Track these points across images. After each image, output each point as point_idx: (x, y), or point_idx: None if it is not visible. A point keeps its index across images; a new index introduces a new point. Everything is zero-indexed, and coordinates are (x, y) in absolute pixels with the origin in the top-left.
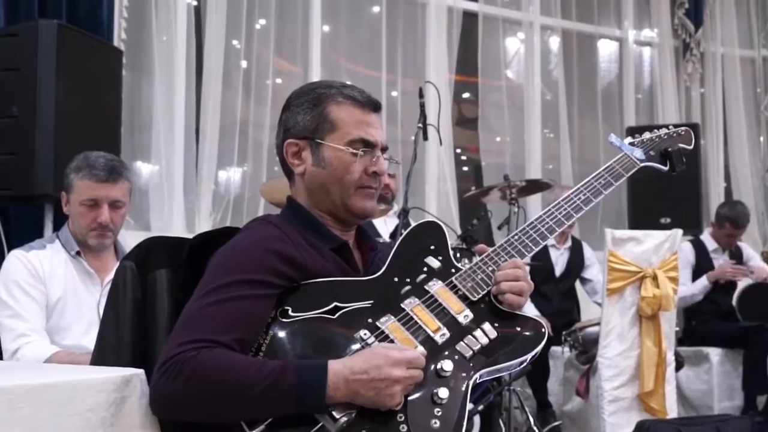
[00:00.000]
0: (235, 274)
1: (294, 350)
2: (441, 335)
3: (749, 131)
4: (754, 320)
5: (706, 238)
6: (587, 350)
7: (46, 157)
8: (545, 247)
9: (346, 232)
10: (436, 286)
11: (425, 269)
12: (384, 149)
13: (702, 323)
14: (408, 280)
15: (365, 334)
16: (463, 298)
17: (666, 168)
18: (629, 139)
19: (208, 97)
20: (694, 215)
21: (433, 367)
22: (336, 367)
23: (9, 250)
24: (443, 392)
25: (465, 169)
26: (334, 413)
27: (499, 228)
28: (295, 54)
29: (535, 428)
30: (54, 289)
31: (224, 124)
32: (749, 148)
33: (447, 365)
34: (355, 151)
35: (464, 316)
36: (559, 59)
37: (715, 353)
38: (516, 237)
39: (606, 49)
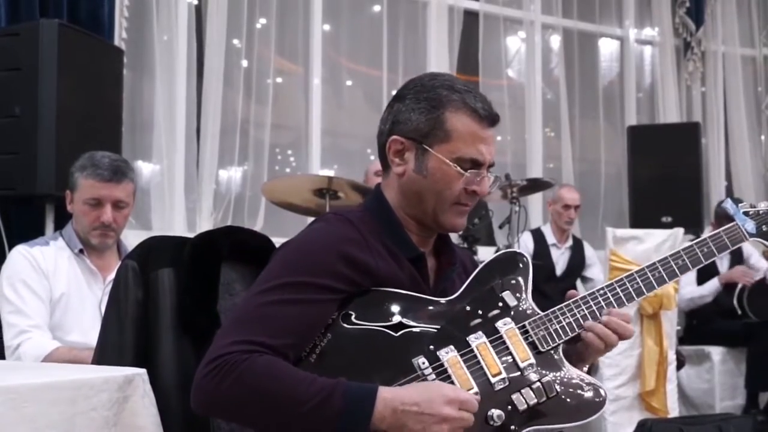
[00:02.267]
0: (300, 275)
1: (348, 359)
2: (500, 380)
3: (750, 130)
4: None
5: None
6: None
7: (48, 157)
8: (546, 247)
9: (426, 240)
10: (506, 327)
11: (500, 304)
12: (491, 166)
13: (703, 322)
14: (480, 312)
15: (423, 363)
16: (532, 346)
17: None
18: (745, 208)
19: (209, 96)
20: (695, 214)
21: (483, 412)
22: (386, 395)
23: (10, 249)
24: None
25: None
26: None
27: (500, 227)
28: (296, 53)
29: None
30: (57, 285)
31: (225, 124)
32: (750, 147)
33: (498, 414)
34: (462, 171)
35: (528, 364)
36: (560, 58)
37: (716, 352)
38: (601, 292)
39: (607, 48)
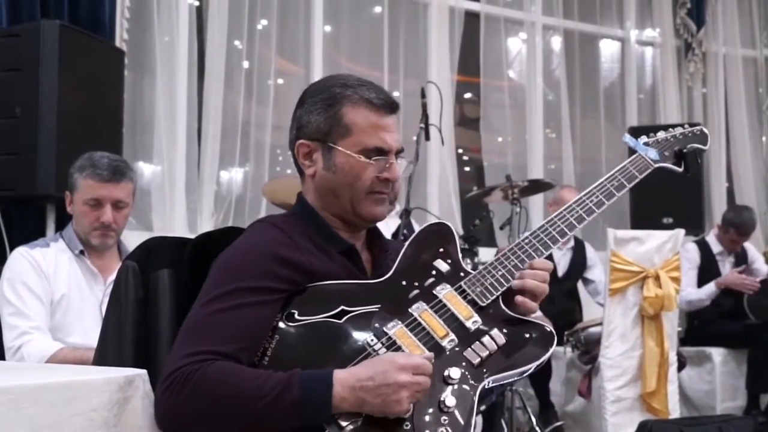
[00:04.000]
0: (237, 281)
1: (300, 354)
2: (449, 341)
3: (751, 131)
4: (764, 319)
5: (712, 240)
6: (589, 350)
7: (48, 158)
8: None
9: (354, 235)
10: (444, 291)
11: (434, 273)
12: (399, 152)
13: (704, 323)
14: (416, 283)
15: (372, 339)
16: (472, 303)
17: (680, 169)
18: (644, 139)
19: (210, 97)
20: (696, 215)
21: (440, 373)
22: (341, 375)
23: (11, 250)
24: (450, 400)
25: (467, 169)
26: (340, 421)
27: (501, 228)
28: (297, 54)
29: (537, 429)
30: (58, 286)
31: (226, 125)
32: (751, 148)
33: (454, 372)
34: (367, 159)
35: (473, 321)
36: (561, 59)
37: (717, 353)
38: (526, 240)
39: (608, 49)
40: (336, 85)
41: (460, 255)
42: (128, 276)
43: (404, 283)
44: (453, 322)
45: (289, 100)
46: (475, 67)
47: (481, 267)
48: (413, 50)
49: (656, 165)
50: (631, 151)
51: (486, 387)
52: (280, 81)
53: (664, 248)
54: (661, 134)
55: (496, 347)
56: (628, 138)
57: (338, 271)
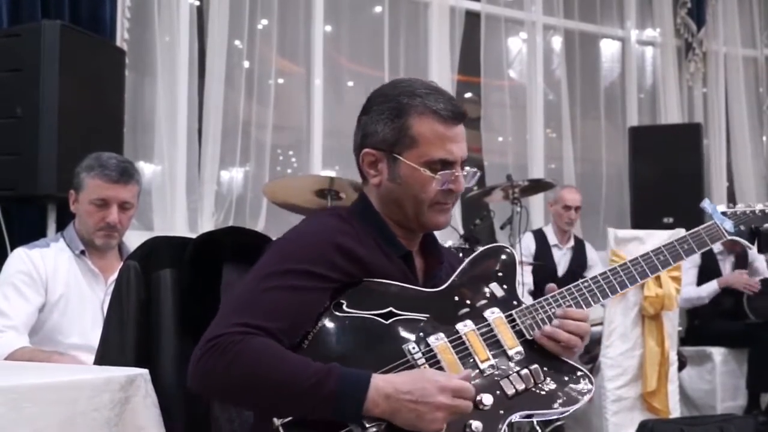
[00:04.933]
0: (294, 263)
1: (340, 345)
2: (488, 366)
3: (752, 131)
4: (764, 318)
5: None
6: (590, 350)
7: (49, 158)
8: (548, 247)
9: (411, 241)
10: (494, 315)
11: (488, 295)
12: (464, 161)
13: (705, 323)
14: (468, 302)
15: (413, 348)
16: (519, 334)
17: (753, 247)
18: (722, 208)
19: (211, 97)
20: (697, 215)
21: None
22: (379, 382)
23: (11, 250)
24: (477, 425)
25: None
26: (364, 422)
27: (502, 228)
28: (298, 54)
29: (537, 428)
30: (55, 287)
31: (227, 125)
32: (752, 148)
33: (487, 399)
34: (432, 174)
35: (516, 351)
36: (561, 59)
37: (718, 353)
38: (585, 284)
39: (608, 48)
40: (403, 94)
41: (517, 284)
42: (130, 276)
43: (456, 298)
44: (496, 348)
45: (290, 100)
46: (475, 66)
47: (535, 301)
48: (414, 50)
49: (729, 237)
50: (633, 150)
51: (513, 421)
52: (281, 81)
53: None
54: (740, 207)
55: (533, 383)
56: (706, 204)
57: (394, 272)
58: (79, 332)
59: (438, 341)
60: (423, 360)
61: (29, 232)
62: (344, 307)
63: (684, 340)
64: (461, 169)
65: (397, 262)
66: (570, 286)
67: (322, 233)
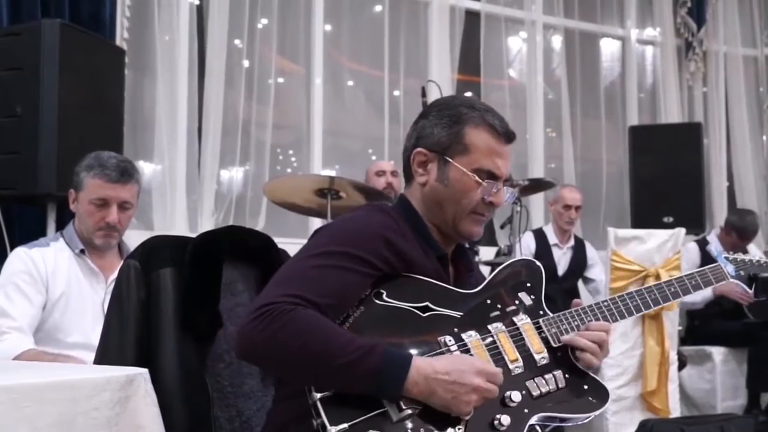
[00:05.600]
0: (345, 246)
1: (378, 331)
2: (517, 366)
3: (752, 130)
4: (764, 318)
5: (712, 239)
6: None
7: (49, 157)
8: (548, 247)
9: (447, 246)
10: (523, 321)
11: (517, 302)
12: (507, 180)
13: (705, 322)
14: (499, 306)
15: (449, 340)
16: (545, 341)
17: (751, 291)
18: (725, 254)
19: (211, 96)
20: (697, 214)
21: (501, 393)
22: (419, 363)
23: (11, 249)
24: (505, 419)
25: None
26: (401, 403)
27: (502, 227)
28: (298, 53)
29: (537, 428)
30: (56, 286)
31: (226, 124)
32: (752, 148)
33: (515, 396)
34: (479, 180)
35: (542, 356)
36: (561, 58)
37: (718, 352)
38: (606, 304)
39: (608, 48)
40: (464, 105)
41: (543, 295)
42: (130, 275)
43: (489, 302)
44: (524, 351)
45: (290, 99)
46: (475, 66)
47: (560, 313)
48: (414, 49)
49: (732, 279)
50: (633, 149)
51: (534, 421)
52: (281, 80)
53: (665, 247)
54: (740, 255)
55: (555, 387)
56: (713, 248)
57: (432, 271)
58: (80, 331)
59: (471, 337)
60: (458, 352)
61: (29, 232)
62: (384, 296)
63: (684, 339)
64: (503, 185)
65: (434, 262)
66: (592, 304)
67: (372, 225)
